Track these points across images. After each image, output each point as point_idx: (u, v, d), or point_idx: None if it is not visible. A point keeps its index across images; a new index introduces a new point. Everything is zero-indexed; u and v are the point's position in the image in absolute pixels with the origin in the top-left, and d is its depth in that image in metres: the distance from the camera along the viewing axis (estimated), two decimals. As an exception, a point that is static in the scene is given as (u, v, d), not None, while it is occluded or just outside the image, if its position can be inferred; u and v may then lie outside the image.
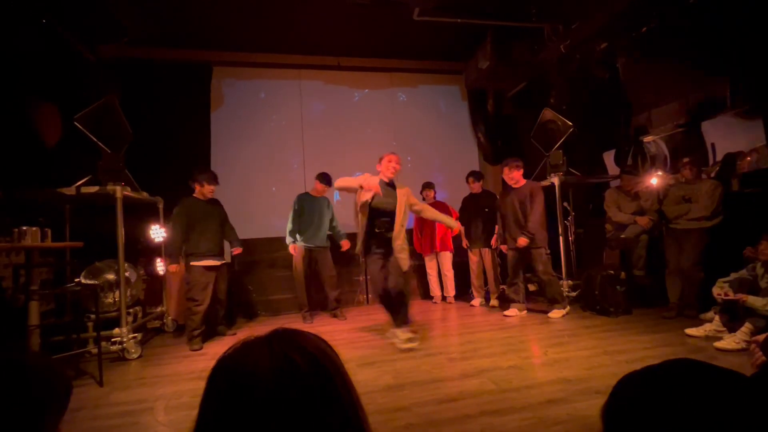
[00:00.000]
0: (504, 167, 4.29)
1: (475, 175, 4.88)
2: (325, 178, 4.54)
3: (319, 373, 0.50)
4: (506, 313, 4.17)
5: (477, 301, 4.77)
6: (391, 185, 3.31)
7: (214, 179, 3.81)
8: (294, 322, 4.47)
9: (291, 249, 4.48)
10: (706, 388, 0.46)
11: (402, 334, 3.20)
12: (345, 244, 4.68)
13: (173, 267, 3.66)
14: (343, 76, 5.94)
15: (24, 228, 2.95)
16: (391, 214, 3.24)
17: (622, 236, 4.15)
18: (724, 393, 0.45)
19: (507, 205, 4.26)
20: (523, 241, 4.00)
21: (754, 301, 2.82)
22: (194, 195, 3.81)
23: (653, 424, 0.45)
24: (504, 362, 2.76)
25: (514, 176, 4.20)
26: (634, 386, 0.51)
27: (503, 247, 4.39)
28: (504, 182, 4.50)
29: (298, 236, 4.42)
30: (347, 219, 5.40)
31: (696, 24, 3.99)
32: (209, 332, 3.83)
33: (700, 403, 0.44)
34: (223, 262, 3.89)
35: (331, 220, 4.63)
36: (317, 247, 4.45)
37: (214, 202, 3.93)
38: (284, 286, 4.99)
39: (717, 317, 3.07)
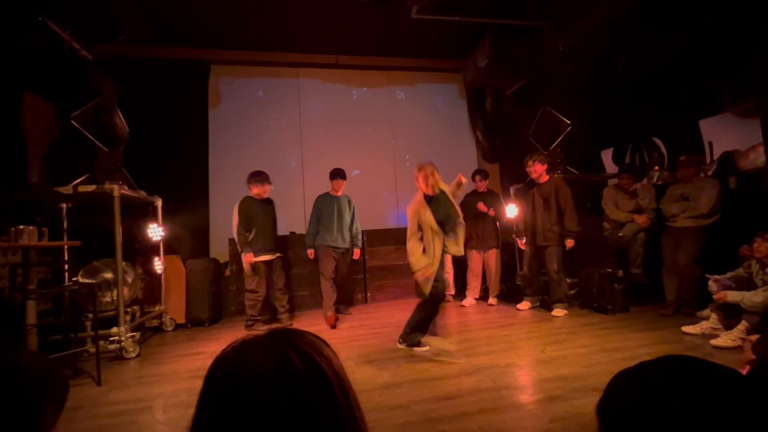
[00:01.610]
0: (528, 159, 4.19)
1: (482, 174, 4.81)
2: (332, 174, 4.28)
3: (316, 374, 0.50)
4: (519, 306, 4.30)
5: (468, 301, 4.73)
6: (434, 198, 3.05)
7: (268, 179, 4.11)
8: (304, 318, 4.47)
9: (309, 254, 4.29)
10: (699, 384, 0.46)
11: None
12: (356, 253, 4.49)
13: (250, 257, 3.92)
14: (341, 74, 5.93)
15: (21, 227, 2.93)
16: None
17: (620, 234, 4.17)
18: (716, 389, 0.45)
19: (528, 201, 4.24)
20: (570, 242, 3.97)
21: (734, 296, 2.88)
22: (250, 195, 4.07)
23: (647, 421, 0.45)
24: (502, 360, 2.77)
25: (537, 169, 4.11)
26: (627, 383, 0.51)
27: (521, 243, 4.41)
28: (500, 181, 4.52)
29: (319, 238, 4.20)
30: (370, 216, 5.35)
31: (695, 22, 4.00)
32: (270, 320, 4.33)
33: (692, 399, 0.44)
34: (277, 255, 4.13)
35: (352, 221, 4.36)
36: (339, 248, 4.24)
37: (268, 202, 4.18)
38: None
39: (714, 315, 3.09)
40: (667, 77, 4.70)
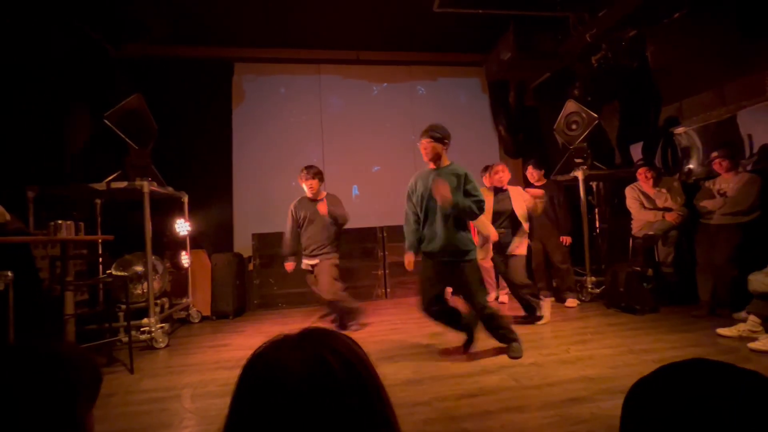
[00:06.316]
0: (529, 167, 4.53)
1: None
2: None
3: (352, 375, 0.49)
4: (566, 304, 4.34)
5: (492, 296, 4.69)
6: (501, 191, 3.77)
7: (306, 175, 3.52)
8: (312, 314, 4.53)
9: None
10: (724, 390, 0.44)
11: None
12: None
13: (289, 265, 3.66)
14: (361, 69, 5.93)
15: (59, 222, 3.08)
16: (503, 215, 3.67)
17: (651, 233, 4.00)
18: (743, 396, 0.43)
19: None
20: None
21: None
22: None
23: (671, 429, 0.44)
24: (525, 359, 2.73)
25: (532, 175, 4.49)
26: (648, 389, 0.49)
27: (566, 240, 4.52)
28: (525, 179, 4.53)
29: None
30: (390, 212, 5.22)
31: (729, 7, 3.78)
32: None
33: (716, 406, 0.42)
34: (316, 262, 3.56)
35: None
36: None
37: (322, 200, 3.53)
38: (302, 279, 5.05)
39: (752, 317, 2.94)
40: (702, 66, 4.46)
